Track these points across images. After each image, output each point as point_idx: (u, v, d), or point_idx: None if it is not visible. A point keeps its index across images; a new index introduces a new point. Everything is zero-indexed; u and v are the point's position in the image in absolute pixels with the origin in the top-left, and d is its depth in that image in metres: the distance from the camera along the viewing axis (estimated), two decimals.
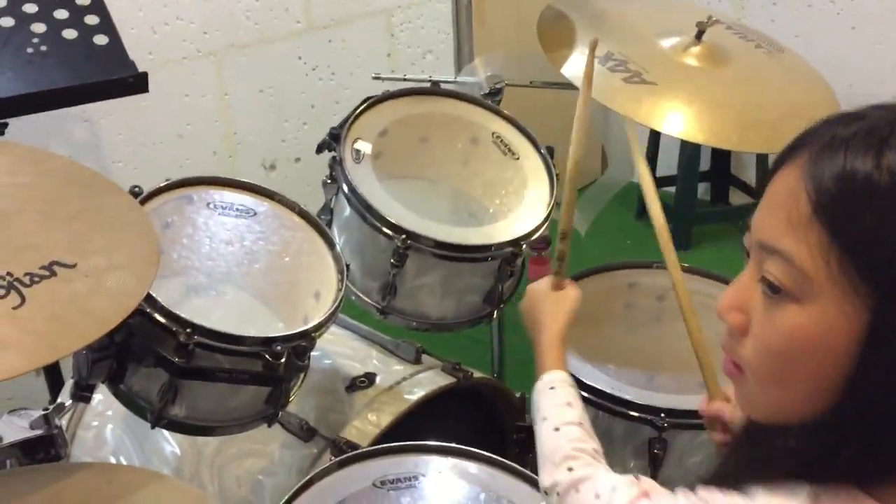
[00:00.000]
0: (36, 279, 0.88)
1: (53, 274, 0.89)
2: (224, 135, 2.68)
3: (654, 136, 3.48)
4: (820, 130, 0.64)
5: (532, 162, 1.57)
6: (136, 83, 1.70)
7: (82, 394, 1.20)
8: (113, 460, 1.53)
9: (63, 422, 1.30)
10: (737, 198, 3.60)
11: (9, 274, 0.87)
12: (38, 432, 1.14)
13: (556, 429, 0.98)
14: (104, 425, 1.57)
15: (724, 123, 1.53)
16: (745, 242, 0.68)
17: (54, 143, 2.32)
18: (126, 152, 2.46)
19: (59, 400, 1.60)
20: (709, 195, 3.66)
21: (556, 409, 1.01)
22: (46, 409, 1.15)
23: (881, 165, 0.58)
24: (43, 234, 0.94)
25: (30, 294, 0.86)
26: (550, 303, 1.18)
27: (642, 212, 3.56)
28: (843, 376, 0.61)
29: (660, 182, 3.55)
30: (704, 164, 3.51)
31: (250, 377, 1.21)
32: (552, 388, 1.04)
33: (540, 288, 1.20)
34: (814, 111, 1.72)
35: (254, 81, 2.68)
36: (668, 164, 3.48)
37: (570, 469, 0.92)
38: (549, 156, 1.57)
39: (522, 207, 1.51)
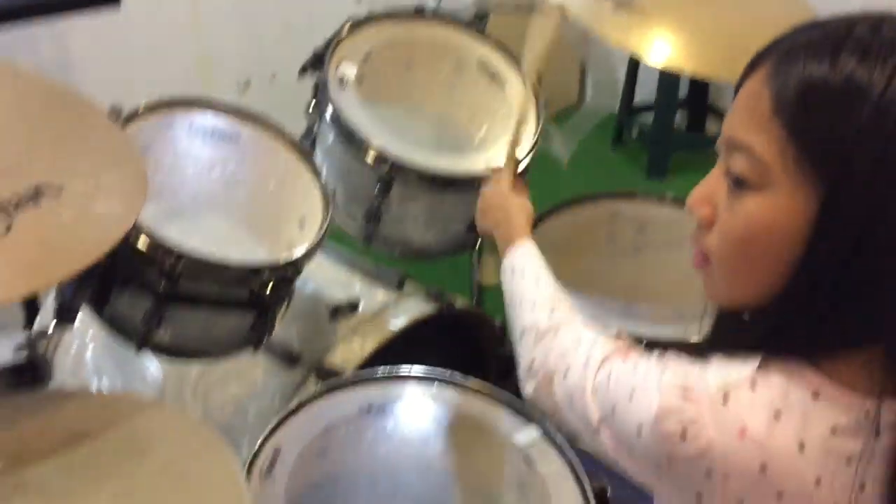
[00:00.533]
0: (22, 204, 0.86)
1: (40, 198, 0.87)
2: (197, 51, 2.61)
3: (633, 63, 3.45)
4: (783, 38, 0.70)
5: (518, 90, 1.55)
6: None
7: (66, 316, 1.18)
8: (94, 383, 1.53)
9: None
10: (714, 126, 3.61)
11: None
12: (22, 356, 1.13)
13: (537, 279, 1.05)
14: (84, 348, 1.56)
15: (712, 52, 1.52)
16: (716, 146, 0.74)
17: (22, 60, 2.24)
18: (96, 69, 2.38)
19: (36, 321, 1.59)
20: (685, 123, 3.67)
21: (533, 268, 1.08)
22: (30, 333, 1.14)
23: (835, 68, 0.64)
24: (26, 157, 0.91)
25: (17, 220, 0.84)
26: (516, 200, 1.24)
27: (618, 139, 3.57)
28: (795, 259, 0.67)
29: (637, 109, 3.54)
30: (682, 91, 3.50)
31: (236, 304, 1.21)
32: (527, 252, 1.11)
33: (501, 189, 1.27)
34: None
35: None
36: (647, 91, 3.46)
37: (552, 311, 0.98)
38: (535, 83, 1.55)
39: (507, 137, 1.49)
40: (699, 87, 3.51)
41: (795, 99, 0.66)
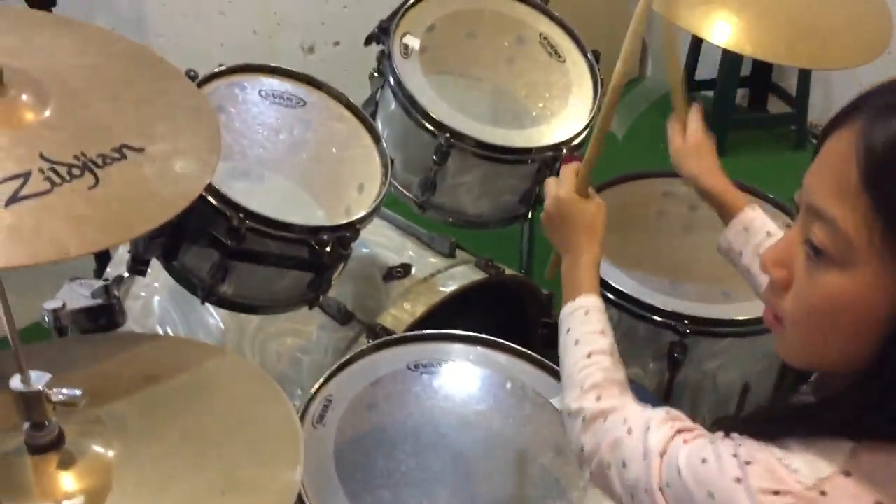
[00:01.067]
0: (108, 161, 0.92)
1: (124, 157, 0.94)
2: (265, 14, 2.67)
3: (696, 39, 3.42)
4: (876, 95, 0.63)
5: (578, 66, 1.58)
6: None
7: (139, 267, 1.27)
8: (159, 330, 1.62)
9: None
10: (775, 106, 3.57)
11: (83, 154, 0.91)
12: (99, 301, 1.21)
13: (589, 355, 0.95)
14: (151, 296, 1.66)
15: (773, 35, 1.52)
16: (795, 198, 0.69)
17: (99, 15, 2.33)
18: (168, 27, 2.47)
19: (107, 271, 1.68)
20: (747, 101, 3.63)
21: (590, 336, 0.98)
22: (107, 279, 1.22)
23: None
24: (113, 117, 0.97)
25: (103, 175, 0.91)
26: (586, 219, 1.11)
27: None
28: (881, 338, 0.62)
29: (699, 86, 3.52)
30: (745, 69, 3.46)
31: (296, 262, 1.27)
32: (587, 312, 1.00)
33: (569, 198, 1.12)
34: (865, 26, 1.70)
35: None
36: (709, 68, 3.43)
37: (598, 398, 0.90)
38: (594, 60, 1.58)
39: (565, 112, 1.53)
40: (762, 66, 3.47)
41: (888, 171, 0.59)
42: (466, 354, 1.35)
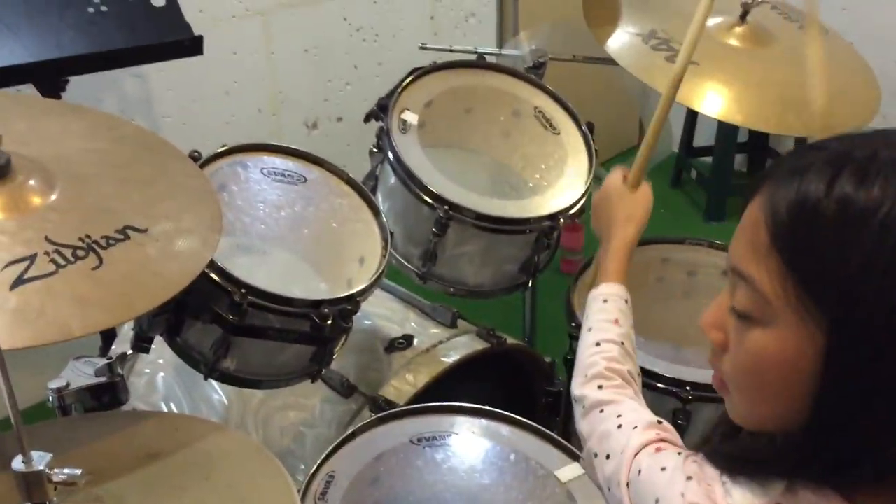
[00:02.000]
0: (112, 242, 0.95)
1: (127, 237, 0.96)
2: (269, 93, 2.74)
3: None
4: (782, 162, 0.67)
5: (572, 137, 1.61)
6: (192, 46, 1.76)
7: (142, 345, 1.28)
8: (164, 406, 1.62)
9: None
10: None
11: (87, 236, 0.94)
12: (103, 379, 1.22)
13: (597, 343, 0.98)
14: (155, 373, 1.66)
15: (763, 105, 1.55)
16: (725, 265, 0.74)
17: (107, 97, 2.39)
18: (175, 108, 2.53)
19: (112, 349, 1.70)
20: (745, 166, 3.67)
21: (603, 324, 1.01)
22: (110, 357, 1.24)
23: (830, 194, 0.60)
24: (118, 199, 1.01)
25: (107, 256, 0.93)
26: (627, 204, 1.14)
27: (676, 181, 3.59)
28: (811, 392, 0.64)
29: (697, 152, 3.57)
30: (742, 135, 3.51)
31: (298, 336, 1.28)
32: (605, 300, 1.04)
33: (614, 186, 1.17)
34: (855, 96, 1.74)
35: (299, 41, 2.73)
36: (706, 134, 3.49)
37: (599, 387, 0.94)
38: (588, 132, 1.62)
39: (561, 182, 1.55)
40: (759, 131, 3.52)
41: (789, 227, 0.62)
42: (469, 427, 1.35)
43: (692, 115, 3.48)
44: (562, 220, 1.49)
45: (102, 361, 1.24)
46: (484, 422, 1.37)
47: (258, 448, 0.93)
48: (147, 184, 1.05)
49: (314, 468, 1.20)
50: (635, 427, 0.85)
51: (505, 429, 1.36)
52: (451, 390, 1.53)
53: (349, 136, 2.85)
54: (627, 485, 0.79)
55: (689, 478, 0.71)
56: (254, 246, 1.40)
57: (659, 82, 1.50)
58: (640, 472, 0.77)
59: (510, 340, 1.62)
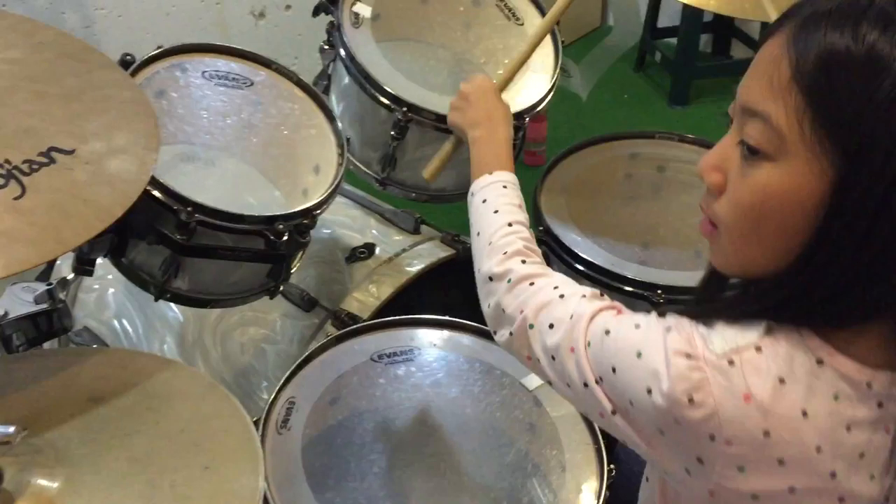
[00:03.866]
0: (35, 167, 0.86)
1: (52, 161, 0.87)
2: None
3: None
4: (805, 3, 0.68)
5: (536, 27, 1.51)
6: None
7: (84, 267, 1.20)
8: (116, 324, 1.56)
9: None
10: (739, 51, 3.52)
11: (7, 161, 0.85)
12: (44, 306, 1.15)
13: (509, 224, 0.97)
14: (105, 289, 1.59)
15: None
16: (729, 111, 0.73)
17: None
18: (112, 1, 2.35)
19: (52, 271, 1.61)
20: (710, 47, 3.58)
21: (509, 207, 1.00)
22: (50, 283, 1.16)
23: (857, 38, 0.63)
24: (39, 117, 0.91)
25: (30, 183, 0.84)
26: (503, 104, 1.16)
27: (640, 64, 3.49)
28: (809, 231, 0.66)
29: (661, 33, 3.46)
30: (707, 14, 3.40)
31: (252, 254, 1.21)
32: (505, 186, 1.03)
33: (489, 85, 1.18)
34: None
35: None
36: (671, 14, 3.37)
37: (524, 262, 0.92)
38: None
39: (526, 77, 1.46)
40: None
41: (816, 67, 0.64)
42: (431, 339, 1.31)
43: None
44: (527, 118, 1.41)
45: (42, 287, 1.16)
46: (446, 333, 1.32)
47: (212, 385, 0.87)
48: (72, 98, 0.95)
49: (273, 394, 1.14)
50: (583, 296, 0.83)
51: (468, 339, 1.32)
52: (416, 298, 1.48)
53: (300, 25, 2.69)
54: (588, 345, 0.77)
55: (668, 328, 0.70)
56: (200, 155, 1.31)
57: None
58: (607, 332, 0.75)
59: None
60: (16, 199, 0.83)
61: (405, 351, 1.27)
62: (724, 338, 0.68)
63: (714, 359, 0.67)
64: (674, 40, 3.34)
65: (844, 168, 0.64)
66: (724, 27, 3.48)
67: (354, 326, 1.28)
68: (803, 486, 0.67)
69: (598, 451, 1.13)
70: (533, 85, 1.46)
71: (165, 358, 0.99)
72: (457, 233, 1.57)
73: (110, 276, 1.59)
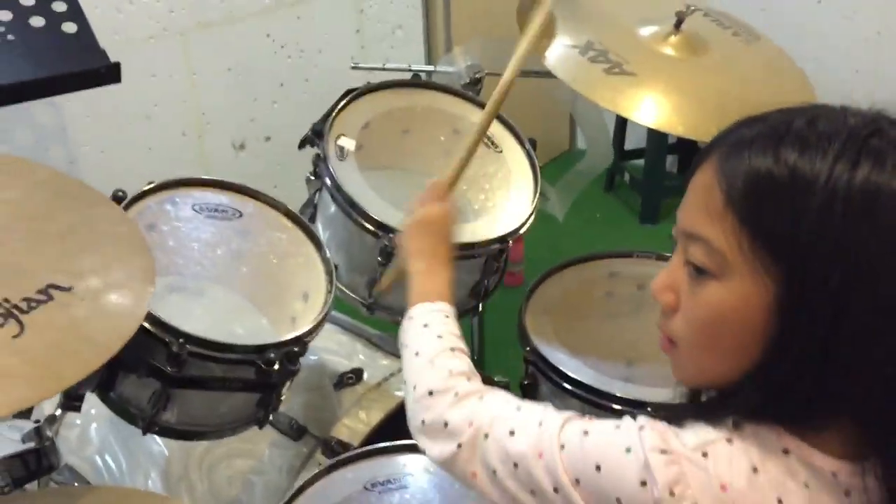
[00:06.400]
0: (33, 305, 0.86)
1: (50, 298, 0.88)
2: (192, 115, 2.63)
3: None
4: (729, 133, 0.74)
5: (515, 154, 1.57)
6: (109, 73, 1.66)
7: (72, 403, 1.19)
8: (98, 460, 1.52)
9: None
10: None
11: (6, 300, 0.85)
12: (31, 445, 1.13)
13: (452, 349, 0.95)
14: (88, 424, 1.56)
15: (702, 115, 1.54)
16: (673, 232, 0.78)
17: (20, 128, 2.26)
18: (93, 135, 2.40)
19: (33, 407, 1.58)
20: (675, 167, 3.70)
21: (453, 336, 0.97)
22: (38, 421, 1.14)
23: (779, 161, 0.68)
24: (35, 255, 0.92)
25: (28, 321, 0.85)
26: (447, 247, 1.15)
27: (610, 185, 3.60)
28: (762, 341, 0.70)
29: (629, 155, 3.58)
30: (672, 136, 3.54)
31: (243, 384, 1.21)
32: (447, 316, 1.01)
33: (443, 212, 1.18)
34: (791, 101, 1.74)
35: (222, 60, 2.63)
36: (637, 137, 3.50)
37: (469, 380, 0.90)
38: (531, 148, 1.58)
39: (507, 202, 1.51)
40: None
41: (744, 191, 0.69)
42: (425, 464, 1.29)
43: (622, 120, 3.48)
44: (510, 241, 1.45)
45: (29, 425, 1.15)
46: None
47: None
48: (68, 235, 0.97)
49: None
50: (545, 407, 0.83)
51: None
52: (403, 423, 1.47)
53: (279, 155, 2.76)
54: (562, 448, 0.76)
55: (641, 427, 0.73)
56: (189, 286, 1.32)
57: (599, 94, 1.48)
58: (586, 433, 0.76)
59: None
60: (14, 337, 0.83)
61: (398, 478, 1.25)
62: (696, 433, 0.71)
63: (688, 452, 0.69)
64: (641, 162, 3.47)
65: (786, 282, 0.68)
66: (687, 147, 3.61)
67: (346, 455, 1.26)
68: None
69: None
70: (513, 209, 1.50)
71: (157, 494, 0.96)
72: None
73: (93, 411, 1.56)
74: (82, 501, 0.90)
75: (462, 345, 0.97)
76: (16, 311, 0.85)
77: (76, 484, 1.47)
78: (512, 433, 0.81)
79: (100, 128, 2.42)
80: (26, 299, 0.87)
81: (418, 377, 0.93)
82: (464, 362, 0.93)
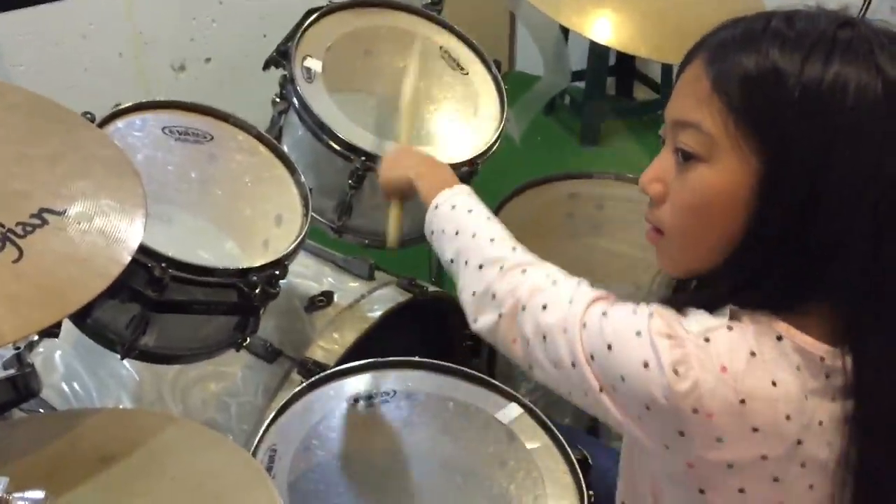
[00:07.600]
0: (28, 229, 0.85)
1: (45, 223, 0.86)
2: (130, 35, 2.53)
3: (563, 31, 3.49)
4: (712, 34, 0.80)
5: (481, 77, 1.58)
6: None
7: (51, 329, 1.17)
8: (65, 386, 1.51)
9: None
10: (641, 93, 3.70)
11: (1, 225, 0.84)
12: (12, 371, 1.11)
13: (488, 218, 1.02)
14: (52, 351, 1.54)
15: (663, 35, 1.56)
16: (660, 133, 0.84)
17: None
18: (28, 55, 2.30)
19: None
20: (614, 90, 3.74)
21: (481, 207, 1.05)
22: (17, 347, 1.13)
23: (762, 58, 0.74)
24: (28, 179, 0.90)
25: (26, 246, 0.83)
26: (434, 158, 1.21)
27: (550, 108, 3.62)
28: (744, 225, 0.76)
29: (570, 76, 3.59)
30: (611, 58, 3.57)
31: (224, 307, 1.21)
32: (470, 195, 1.07)
33: (409, 147, 1.28)
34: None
35: None
36: (578, 58, 3.52)
37: (514, 249, 0.96)
38: (497, 70, 1.58)
39: (474, 124, 1.52)
40: (627, 55, 3.58)
41: (730, 82, 0.75)
42: (403, 380, 1.33)
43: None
44: (479, 164, 1.47)
45: (9, 352, 1.13)
46: (416, 373, 1.34)
47: (216, 438, 0.87)
48: (55, 159, 0.94)
49: (254, 445, 1.14)
50: (578, 284, 0.88)
51: (438, 378, 1.34)
52: (378, 343, 1.50)
53: (221, 77, 2.68)
54: (584, 326, 0.81)
55: (650, 314, 0.77)
56: (162, 212, 1.30)
57: (552, 8, 1.49)
58: (604, 314, 0.80)
59: (431, 289, 1.60)
60: (14, 262, 0.82)
61: (379, 393, 1.28)
62: (698, 321, 0.76)
63: (692, 337, 0.74)
64: (581, 84, 3.49)
65: (768, 162, 0.74)
66: (626, 71, 3.65)
67: (328, 371, 1.29)
68: (774, 453, 0.74)
69: (577, 479, 1.17)
70: (480, 131, 1.52)
71: (161, 413, 0.98)
72: (412, 277, 1.60)
73: (56, 339, 1.54)
74: (88, 422, 0.90)
75: (494, 216, 1.03)
76: (12, 236, 0.84)
77: (41, 410, 1.46)
78: (545, 307, 0.86)
79: (34, 47, 2.31)
80: (20, 224, 0.85)
81: (467, 252, 0.98)
82: (501, 228, 1.00)
